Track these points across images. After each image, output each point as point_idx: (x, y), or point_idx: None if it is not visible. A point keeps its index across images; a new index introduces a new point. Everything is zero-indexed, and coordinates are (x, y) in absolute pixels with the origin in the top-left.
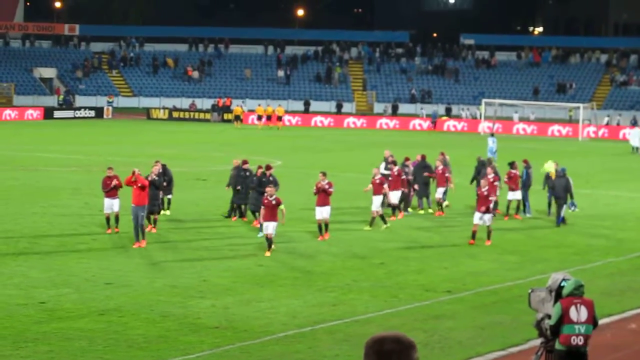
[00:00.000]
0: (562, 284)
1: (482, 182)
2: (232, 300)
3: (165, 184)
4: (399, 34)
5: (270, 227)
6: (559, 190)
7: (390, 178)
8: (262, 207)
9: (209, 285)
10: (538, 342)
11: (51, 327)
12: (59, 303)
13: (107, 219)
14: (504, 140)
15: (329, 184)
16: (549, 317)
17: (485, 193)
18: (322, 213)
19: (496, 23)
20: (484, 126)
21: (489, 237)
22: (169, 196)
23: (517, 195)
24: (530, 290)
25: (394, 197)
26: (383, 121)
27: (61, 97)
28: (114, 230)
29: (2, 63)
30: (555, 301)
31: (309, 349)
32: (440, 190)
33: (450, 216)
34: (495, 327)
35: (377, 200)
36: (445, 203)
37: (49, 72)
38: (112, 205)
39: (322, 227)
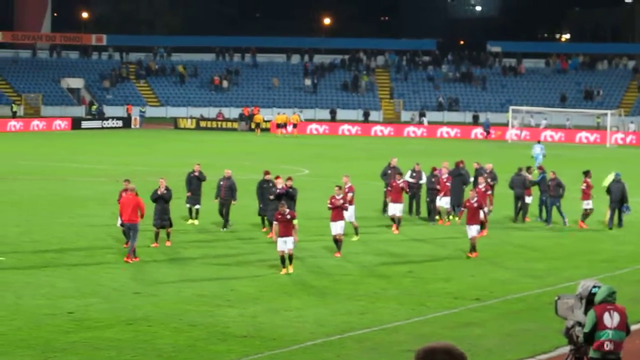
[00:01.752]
0: (592, 291)
1: (471, 193)
2: (260, 309)
3: (189, 193)
4: (426, 41)
5: (288, 243)
6: (616, 194)
7: (389, 188)
8: (275, 222)
9: (236, 294)
10: (567, 349)
11: (79, 337)
12: (87, 313)
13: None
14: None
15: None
16: (579, 324)
17: (475, 205)
18: (337, 228)
19: (523, 30)
20: (511, 133)
21: (474, 250)
22: (197, 206)
23: (590, 204)
24: (557, 298)
25: (395, 209)
26: (410, 129)
27: (94, 107)
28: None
29: (30, 74)
30: (587, 308)
31: (337, 357)
32: (445, 199)
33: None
34: (524, 334)
35: (393, 206)
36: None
37: (76, 83)
38: None
39: (339, 243)
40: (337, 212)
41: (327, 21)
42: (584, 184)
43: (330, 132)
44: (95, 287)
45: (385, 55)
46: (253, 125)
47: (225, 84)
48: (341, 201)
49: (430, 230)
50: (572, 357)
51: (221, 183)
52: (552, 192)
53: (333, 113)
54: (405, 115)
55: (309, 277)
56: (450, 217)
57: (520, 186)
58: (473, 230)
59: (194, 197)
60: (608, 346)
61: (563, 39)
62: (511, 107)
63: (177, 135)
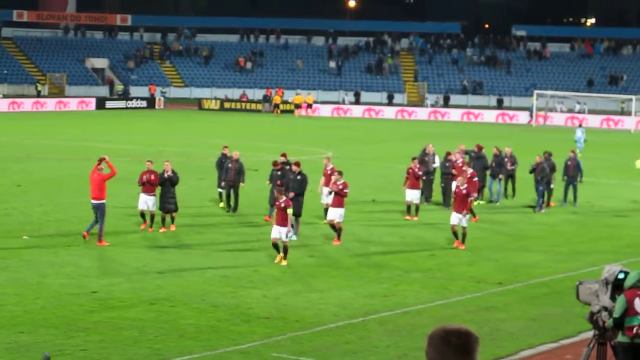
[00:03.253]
0: (619, 276)
1: (460, 179)
2: (283, 290)
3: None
4: (451, 24)
5: (282, 233)
6: None
7: (407, 175)
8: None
9: (260, 275)
10: (590, 334)
11: (102, 316)
12: (111, 292)
13: (142, 214)
14: (554, 132)
15: (344, 184)
16: (606, 309)
17: (464, 192)
18: (334, 215)
19: (548, 14)
20: (534, 118)
21: (463, 241)
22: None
23: None
24: (578, 283)
25: (412, 195)
26: (434, 112)
27: (120, 87)
28: (148, 228)
29: (54, 53)
30: (613, 293)
31: (359, 339)
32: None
33: (504, 209)
34: (547, 319)
35: (410, 192)
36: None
37: (101, 63)
38: (146, 201)
39: (338, 230)
40: (336, 198)
41: (352, 3)
42: None
43: (354, 115)
44: (118, 266)
45: (409, 38)
46: (283, 108)
47: (249, 65)
48: (341, 186)
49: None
50: (596, 342)
51: (229, 165)
52: (571, 172)
53: (357, 95)
54: (429, 98)
55: (332, 260)
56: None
57: (548, 170)
58: (458, 218)
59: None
60: (639, 331)
61: (588, 24)
62: (536, 91)
63: (201, 116)
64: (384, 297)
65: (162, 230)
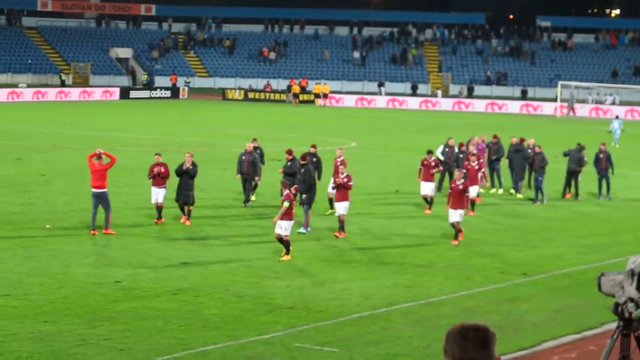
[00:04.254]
0: None
1: (457, 174)
2: (306, 281)
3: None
4: (475, 15)
5: (282, 227)
6: None
7: (421, 167)
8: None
9: (283, 265)
10: (613, 325)
11: (126, 306)
12: (135, 282)
13: (157, 208)
14: (580, 123)
15: (348, 177)
16: (631, 300)
17: (461, 187)
18: (340, 209)
19: (572, 5)
20: (559, 108)
21: (456, 237)
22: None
23: None
24: (600, 274)
25: (426, 188)
26: (458, 103)
27: (145, 77)
28: (155, 220)
29: (79, 43)
30: (639, 284)
31: (383, 330)
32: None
33: (528, 201)
34: (570, 310)
35: (425, 185)
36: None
37: (125, 52)
38: (157, 194)
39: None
40: (341, 191)
41: None
42: None
43: (378, 105)
44: (142, 256)
45: (434, 29)
46: (306, 97)
47: (273, 55)
48: (345, 179)
49: (477, 206)
50: (619, 334)
51: (243, 158)
52: (603, 165)
53: (381, 86)
54: (454, 89)
55: (356, 250)
56: (511, 192)
57: (575, 162)
58: (457, 215)
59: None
60: None
61: (613, 14)
62: (560, 82)
63: (225, 106)
64: (407, 288)
65: (182, 219)
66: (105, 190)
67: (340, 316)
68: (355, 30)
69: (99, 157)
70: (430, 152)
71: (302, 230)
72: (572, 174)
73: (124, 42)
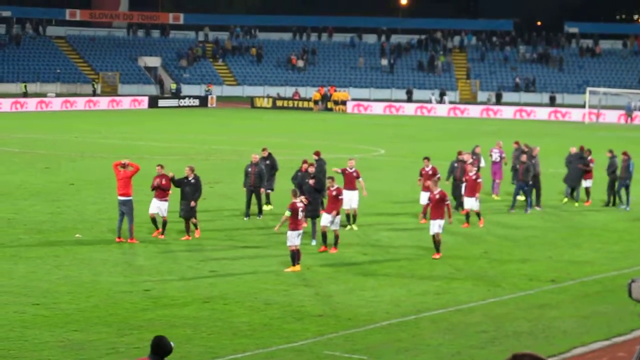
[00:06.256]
0: None
1: (431, 184)
2: (335, 288)
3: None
4: (503, 22)
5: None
6: None
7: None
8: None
9: (312, 273)
10: None
11: (156, 314)
12: (164, 290)
13: (152, 219)
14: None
15: (338, 190)
16: None
17: (437, 196)
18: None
19: (600, 11)
20: (587, 114)
21: (438, 249)
22: (268, 191)
23: None
24: (630, 281)
25: (426, 198)
26: (486, 110)
27: (174, 85)
28: (159, 235)
29: (107, 52)
30: None
31: (412, 337)
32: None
33: (558, 207)
34: (600, 316)
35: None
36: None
37: (153, 61)
38: (159, 206)
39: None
40: (330, 204)
41: (404, 1)
42: None
43: (406, 112)
44: (171, 264)
45: (462, 36)
46: (332, 106)
47: (301, 63)
48: (334, 192)
49: (506, 215)
50: None
51: (249, 169)
52: (623, 173)
53: (409, 93)
54: (482, 96)
55: (384, 257)
56: (565, 200)
57: (615, 170)
58: (436, 226)
59: (268, 183)
60: None
61: None
62: (588, 89)
63: (254, 114)
64: (436, 295)
65: (184, 238)
66: (130, 198)
67: (369, 324)
68: (383, 38)
69: (124, 166)
70: (427, 159)
71: (313, 242)
72: (621, 183)
73: (153, 51)
